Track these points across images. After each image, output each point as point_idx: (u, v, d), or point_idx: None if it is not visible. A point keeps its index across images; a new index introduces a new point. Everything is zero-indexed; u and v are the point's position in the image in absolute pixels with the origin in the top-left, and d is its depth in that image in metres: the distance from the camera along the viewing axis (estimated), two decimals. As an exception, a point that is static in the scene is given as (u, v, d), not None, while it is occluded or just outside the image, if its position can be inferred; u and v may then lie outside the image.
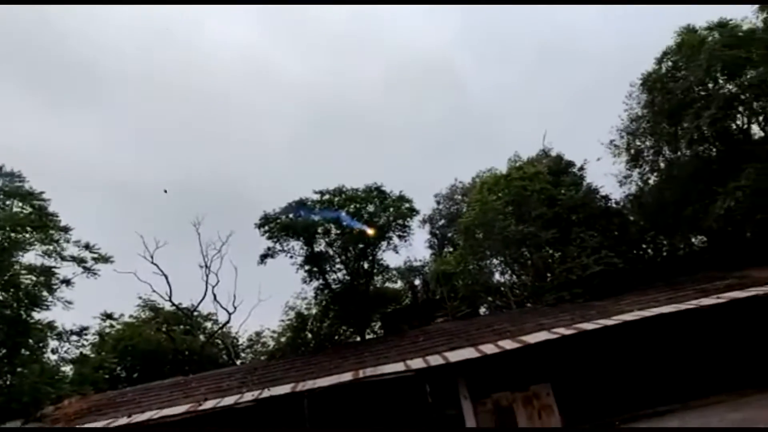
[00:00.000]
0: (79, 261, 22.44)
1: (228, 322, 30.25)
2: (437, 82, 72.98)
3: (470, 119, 67.69)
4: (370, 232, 23.38)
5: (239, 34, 70.13)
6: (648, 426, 14.29)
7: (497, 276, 28.62)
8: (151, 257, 27.46)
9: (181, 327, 30.71)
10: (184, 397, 18.07)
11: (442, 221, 34.98)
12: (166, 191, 30.05)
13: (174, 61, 64.44)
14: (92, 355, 26.25)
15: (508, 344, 16.08)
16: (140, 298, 29.86)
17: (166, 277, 27.88)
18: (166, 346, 28.04)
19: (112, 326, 29.16)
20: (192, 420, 15.63)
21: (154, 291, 28.44)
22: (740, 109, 21.87)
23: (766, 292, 16.01)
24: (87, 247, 22.60)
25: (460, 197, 34.69)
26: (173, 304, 28.97)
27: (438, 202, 35.67)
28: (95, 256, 22.69)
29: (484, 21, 73.32)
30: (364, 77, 71.69)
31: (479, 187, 28.30)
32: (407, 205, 24.07)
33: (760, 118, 22.05)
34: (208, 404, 16.19)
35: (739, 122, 22.40)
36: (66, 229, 22.30)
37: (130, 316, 29.92)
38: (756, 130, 22.31)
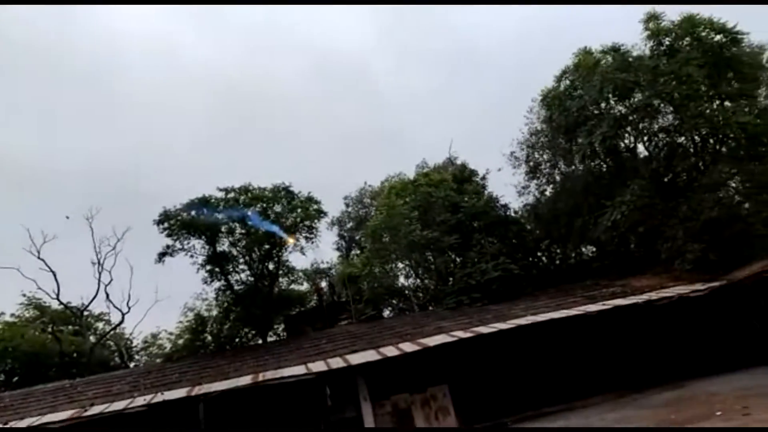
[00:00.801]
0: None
1: (121, 322, 28.59)
2: (352, 84, 73.22)
3: (382, 124, 68.45)
4: (291, 241, 23.17)
5: (150, 21, 66.94)
6: (534, 426, 15.03)
7: (402, 279, 29.28)
8: (38, 252, 25.60)
9: (70, 327, 28.85)
10: (69, 402, 16.89)
11: (351, 224, 35.09)
12: (68, 217, 27.58)
13: (78, 42, 60.35)
14: (-34, 358, 24.25)
15: (407, 347, 16.36)
16: (24, 295, 27.77)
17: (54, 274, 26.01)
18: (51, 348, 26.08)
19: (-10, 326, 26.89)
20: (76, 426, 14.70)
21: (39, 288, 26.30)
22: (628, 129, 23.27)
23: (644, 300, 17.36)
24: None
25: (368, 201, 34.93)
26: (61, 303, 26.91)
27: (347, 205, 35.77)
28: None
29: (402, 28, 74.48)
30: (279, 75, 70.70)
31: (387, 191, 28.71)
32: (315, 206, 23.93)
33: (645, 138, 23.67)
34: (95, 409, 15.26)
35: (627, 141, 23.84)
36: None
37: (12, 315, 27.81)
38: (641, 149, 23.90)
